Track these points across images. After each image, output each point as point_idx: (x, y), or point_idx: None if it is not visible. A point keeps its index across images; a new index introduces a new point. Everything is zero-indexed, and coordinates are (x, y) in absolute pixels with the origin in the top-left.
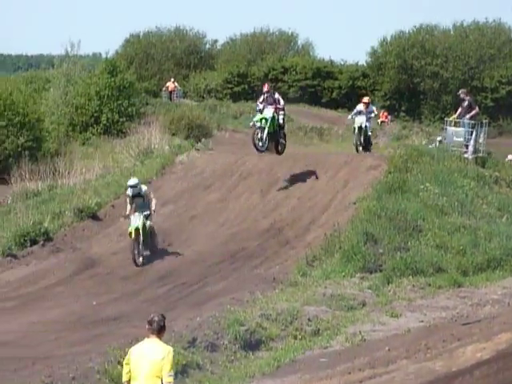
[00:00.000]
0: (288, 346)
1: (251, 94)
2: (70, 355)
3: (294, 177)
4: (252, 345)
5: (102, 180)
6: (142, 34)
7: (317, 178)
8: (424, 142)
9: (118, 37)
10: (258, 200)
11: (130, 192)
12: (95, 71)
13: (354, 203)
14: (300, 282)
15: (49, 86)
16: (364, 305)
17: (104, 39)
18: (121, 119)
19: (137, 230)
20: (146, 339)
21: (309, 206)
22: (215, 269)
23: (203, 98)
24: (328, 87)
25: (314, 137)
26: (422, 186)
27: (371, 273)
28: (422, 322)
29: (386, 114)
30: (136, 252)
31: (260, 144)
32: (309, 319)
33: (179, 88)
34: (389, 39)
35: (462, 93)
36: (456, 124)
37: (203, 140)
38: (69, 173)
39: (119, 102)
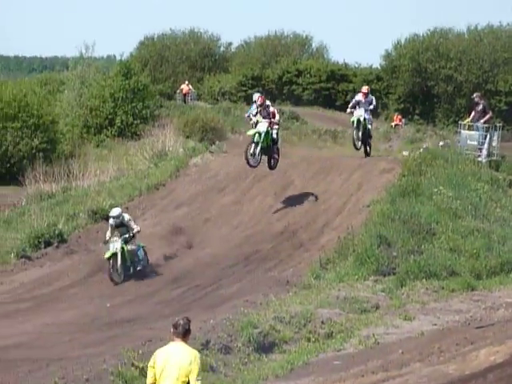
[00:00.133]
0: (301, 348)
1: (265, 97)
2: (83, 357)
3: (308, 180)
4: (265, 347)
5: (116, 182)
6: (156, 36)
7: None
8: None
9: (133, 39)
10: (271, 202)
11: (112, 222)
12: (109, 73)
13: (368, 206)
14: (314, 284)
15: (63, 88)
16: (377, 308)
17: (118, 41)
18: (135, 121)
19: (114, 255)
20: (171, 343)
21: (323, 209)
22: (229, 271)
23: (217, 100)
24: (342, 90)
25: (328, 140)
26: (435, 190)
27: (385, 276)
28: (436, 325)
29: (399, 117)
30: (112, 271)
31: (252, 159)
32: (322, 322)
33: (193, 90)
34: (403, 42)
35: (476, 96)
36: (470, 127)
37: (217, 143)
38: (83, 175)
39: (133, 104)
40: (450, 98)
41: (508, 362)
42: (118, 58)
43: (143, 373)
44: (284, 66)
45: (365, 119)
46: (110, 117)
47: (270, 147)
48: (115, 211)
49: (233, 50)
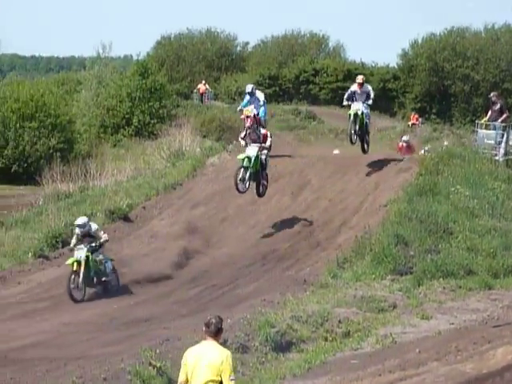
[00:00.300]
0: (319, 347)
1: (282, 96)
2: (101, 356)
3: (325, 179)
4: (283, 346)
5: (133, 182)
6: (173, 36)
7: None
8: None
9: (150, 39)
10: (288, 202)
11: (78, 231)
12: (126, 73)
13: (385, 205)
14: (331, 283)
15: (80, 88)
16: (395, 307)
17: (135, 41)
18: (152, 121)
19: (77, 262)
20: (203, 341)
21: (340, 208)
22: (246, 271)
23: (234, 100)
24: None
25: (345, 139)
26: (452, 189)
27: (402, 275)
28: (453, 324)
29: (416, 116)
30: (73, 285)
31: (241, 185)
32: (339, 321)
33: (210, 90)
34: (420, 41)
35: (493, 96)
36: (487, 126)
37: (234, 142)
38: (100, 174)
39: (150, 103)
40: (466, 97)
41: None
42: (135, 57)
43: (160, 372)
44: (301, 65)
45: (362, 113)
46: (127, 116)
47: (258, 172)
48: (81, 220)
49: (249, 50)
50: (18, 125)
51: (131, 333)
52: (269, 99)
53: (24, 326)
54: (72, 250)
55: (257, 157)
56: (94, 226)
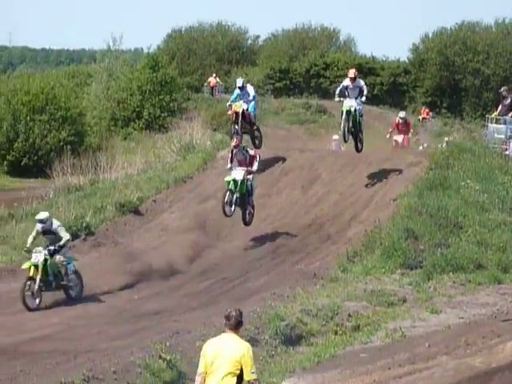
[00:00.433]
0: (328, 341)
1: (293, 90)
2: (111, 349)
3: (335, 172)
4: (292, 340)
5: (143, 175)
6: (184, 29)
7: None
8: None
9: (160, 32)
10: (299, 195)
11: (38, 227)
12: (137, 66)
13: (395, 200)
14: (341, 277)
15: (91, 81)
16: (404, 301)
17: (146, 34)
18: (162, 114)
19: (35, 266)
20: (223, 334)
21: (350, 202)
22: (256, 264)
23: None
24: (370, 83)
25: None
26: (462, 183)
27: (412, 269)
28: (462, 318)
29: (427, 110)
30: (30, 292)
31: (228, 208)
32: (349, 315)
33: (221, 83)
34: (430, 36)
35: (504, 90)
36: (497, 121)
37: (244, 136)
38: (110, 167)
39: (161, 96)
40: (477, 91)
41: None
42: (146, 50)
43: (170, 365)
44: (311, 59)
45: (355, 110)
46: (137, 109)
47: (245, 197)
48: (42, 215)
49: (260, 43)
50: (28, 117)
51: (141, 326)
52: (279, 93)
53: (34, 318)
54: (29, 252)
55: (243, 181)
56: (55, 223)
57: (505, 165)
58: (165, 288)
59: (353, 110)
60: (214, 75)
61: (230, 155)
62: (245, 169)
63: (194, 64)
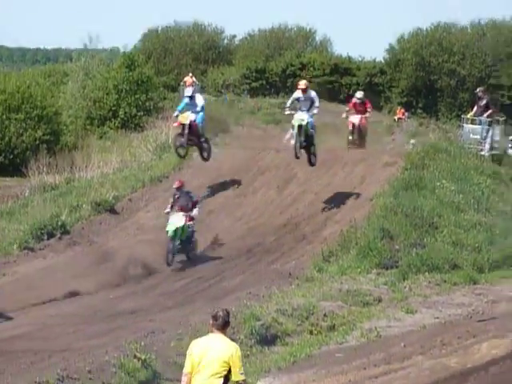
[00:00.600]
0: (304, 341)
1: (269, 90)
2: (86, 348)
3: (310, 172)
4: (268, 340)
5: (119, 174)
6: (160, 28)
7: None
8: (412, 141)
9: (137, 31)
10: (274, 195)
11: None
12: (113, 65)
13: (371, 200)
14: (316, 277)
15: (67, 80)
16: (380, 301)
17: (122, 34)
18: (138, 113)
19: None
20: (210, 334)
21: (325, 202)
22: (232, 263)
23: (221, 92)
24: (346, 83)
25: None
26: (438, 183)
27: (387, 269)
28: (438, 318)
29: (402, 110)
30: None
31: (170, 258)
32: (325, 314)
33: (197, 83)
34: (406, 36)
35: (479, 91)
36: (473, 121)
37: (220, 135)
38: (86, 166)
39: (137, 96)
40: (453, 91)
41: (509, 356)
42: (122, 50)
43: (145, 364)
44: (288, 58)
45: (307, 124)
46: (113, 108)
47: (185, 243)
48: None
49: (236, 43)
50: (4, 116)
51: (116, 325)
52: (255, 92)
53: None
54: None
55: (183, 227)
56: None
57: (480, 165)
58: (140, 287)
59: (304, 123)
60: (191, 74)
61: (171, 200)
62: (185, 215)
63: (170, 63)
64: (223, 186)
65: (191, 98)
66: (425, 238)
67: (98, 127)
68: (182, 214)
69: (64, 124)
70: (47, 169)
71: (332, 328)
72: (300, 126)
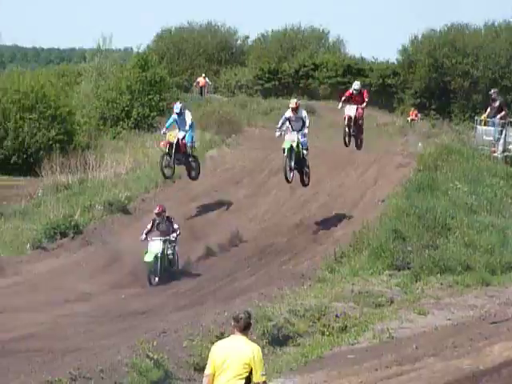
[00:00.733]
0: (316, 342)
1: (281, 91)
2: (98, 348)
3: (323, 173)
4: (280, 340)
5: (132, 174)
6: (173, 29)
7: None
8: (420, 145)
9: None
10: (287, 196)
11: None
12: (127, 65)
13: (383, 201)
14: (328, 278)
15: (80, 80)
16: (392, 302)
17: (136, 34)
18: (151, 114)
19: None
20: (231, 336)
21: (338, 203)
22: (244, 264)
23: (234, 93)
24: None
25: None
26: (451, 185)
27: (399, 270)
28: (450, 320)
29: (415, 112)
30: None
31: (153, 278)
32: (336, 315)
33: (210, 83)
34: (420, 37)
35: (493, 93)
36: (486, 123)
37: (233, 136)
38: (99, 166)
39: (150, 96)
40: (466, 93)
41: None
42: (135, 50)
43: (157, 364)
44: (301, 60)
45: (298, 145)
46: (126, 109)
47: (168, 270)
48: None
49: (250, 44)
50: (18, 116)
51: (128, 325)
52: (268, 93)
53: (21, 317)
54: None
55: (163, 251)
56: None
57: (493, 167)
58: (151, 287)
59: (295, 145)
60: (204, 75)
61: (149, 226)
62: (163, 238)
63: (183, 64)
64: (236, 187)
65: (180, 114)
66: (437, 239)
67: (111, 127)
68: (159, 238)
69: (77, 124)
70: (60, 169)
71: (344, 329)
72: (290, 149)
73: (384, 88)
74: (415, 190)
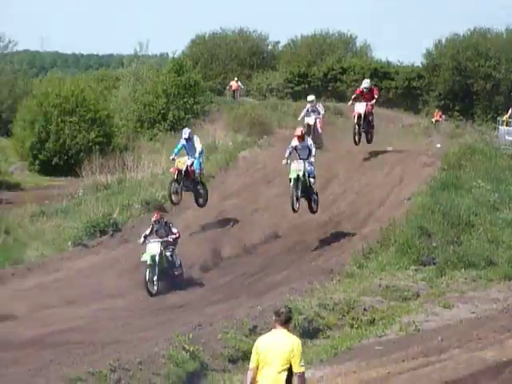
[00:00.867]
0: (345, 334)
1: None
2: (136, 341)
3: (351, 172)
4: (310, 333)
5: (168, 174)
6: (207, 35)
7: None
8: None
9: (185, 38)
10: None
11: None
12: (162, 70)
13: (409, 199)
14: (356, 273)
15: (118, 85)
16: (418, 296)
17: (171, 40)
18: (186, 116)
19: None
20: (273, 330)
21: (365, 201)
22: (275, 260)
23: (265, 96)
24: (385, 87)
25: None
26: (474, 183)
27: (425, 265)
28: (474, 313)
29: (440, 113)
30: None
31: (151, 287)
32: (365, 309)
33: (242, 87)
34: (443, 41)
35: None
36: (508, 123)
37: (265, 137)
38: (137, 167)
39: (185, 99)
40: (488, 95)
41: None
42: (171, 55)
43: (193, 356)
44: (329, 63)
45: (304, 174)
46: (162, 112)
47: (167, 271)
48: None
49: (280, 49)
50: (59, 119)
51: (165, 318)
52: (298, 96)
53: (62, 311)
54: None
55: (161, 254)
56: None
57: None
58: (187, 282)
59: (301, 174)
60: (236, 79)
61: (148, 230)
62: (161, 240)
63: (216, 68)
64: (267, 186)
65: (188, 139)
66: (461, 235)
67: (148, 129)
68: (157, 240)
69: (116, 126)
70: (100, 169)
71: (372, 322)
72: (297, 179)
73: (409, 90)
74: (440, 188)
